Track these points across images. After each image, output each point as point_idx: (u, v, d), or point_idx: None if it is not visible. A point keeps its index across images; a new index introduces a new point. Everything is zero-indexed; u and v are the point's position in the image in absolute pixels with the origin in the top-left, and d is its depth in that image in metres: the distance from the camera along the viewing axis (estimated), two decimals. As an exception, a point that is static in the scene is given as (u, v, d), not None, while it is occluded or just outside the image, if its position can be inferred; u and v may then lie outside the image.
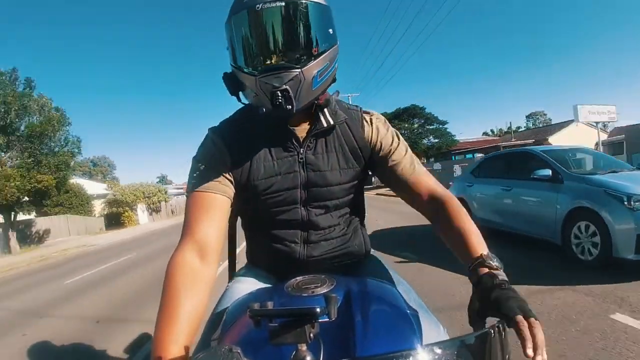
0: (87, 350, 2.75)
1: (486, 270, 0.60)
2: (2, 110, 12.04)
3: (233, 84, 0.75)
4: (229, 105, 0.86)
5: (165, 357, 0.53)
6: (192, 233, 0.69)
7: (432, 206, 0.77)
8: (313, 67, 0.69)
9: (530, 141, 21.37)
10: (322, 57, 0.70)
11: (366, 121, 0.83)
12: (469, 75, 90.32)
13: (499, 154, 5.69)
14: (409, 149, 0.85)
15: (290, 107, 0.68)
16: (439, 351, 0.43)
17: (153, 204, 24.46)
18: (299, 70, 0.67)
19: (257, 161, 0.76)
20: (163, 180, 44.84)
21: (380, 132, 0.83)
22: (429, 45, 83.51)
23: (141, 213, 23.17)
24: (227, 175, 0.75)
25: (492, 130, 41.70)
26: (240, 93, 0.76)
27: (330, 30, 0.72)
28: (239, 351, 0.41)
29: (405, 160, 0.82)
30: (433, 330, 0.63)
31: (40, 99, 13.17)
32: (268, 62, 0.68)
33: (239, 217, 0.95)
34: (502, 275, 0.58)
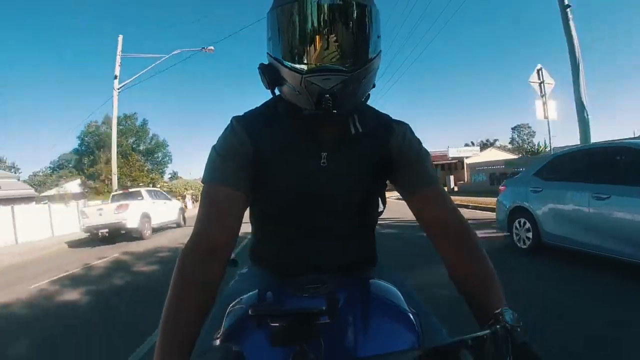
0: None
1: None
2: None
3: (271, 76, 0.71)
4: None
5: (169, 353, 0.53)
6: (205, 229, 0.67)
7: (448, 237, 0.71)
8: (362, 73, 0.66)
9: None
10: (371, 62, 0.67)
11: (394, 130, 0.79)
12: (458, 84, 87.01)
13: (585, 149, 4.33)
14: (431, 163, 0.81)
15: (335, 111, 0.65)
16: (439, 352, 0.43)
17: (194, 195, 30.84)
18: (349, 74, 0.64)
19: (279, 160, 0.73)
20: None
21: (406, 141, 0.79)
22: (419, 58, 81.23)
23: (188, 201, 29.28)
24: (246, 170, 0.72)
25: (472, 142, 42.22)
26: (276, 88, 0.73)
27: (379, 36, 0.69)
28: (240, 351, 0.42)
29: (421, 169, 0.77)
30: (434, 332, 0.62)
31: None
32: (318, 61, 0.65)
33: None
34: (520, 334, 0.51)
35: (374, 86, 0.75)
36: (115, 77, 13.83)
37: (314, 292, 0.64)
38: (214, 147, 0.75)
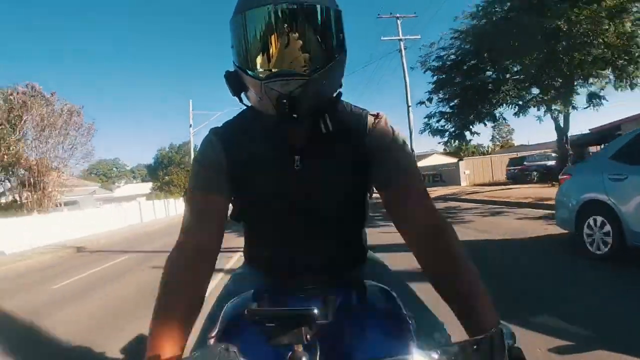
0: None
1: None
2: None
3: (236, 84, 0.72)
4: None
5: (160, 356, 0.53)
6: (190, 233, 0.69)
7: (421, 235, 0.67)
8: (322, 75, 0.66)
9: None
10: (331, 64, 0.67)
11: (371, 125, 0.78)
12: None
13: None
14: (410, 154, 0.77)
15: (295, 115, 0.65)
16: (434, 356, 0.43)
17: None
18: (307, 77, 0.64)
19: (254, 166, 0.75)
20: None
21: (378, 131, 0.77)
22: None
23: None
24: (224, 178, 0.75)
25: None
26: (243, 95, 0.74)
27: (341, 36, 0.69)
28: (235, 350, 0.42)
29: (396, 161, 0.74)
30: (433, 334, 0.61)
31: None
32: (276, 66, 0.65)
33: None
34: (516, 350, 0.49)
35: (340, 86, 0.75)
36: (190, 125, 23.29)
37: (310, 293, 0.64)
38: (195, 158, 0.79)
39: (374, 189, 0.81)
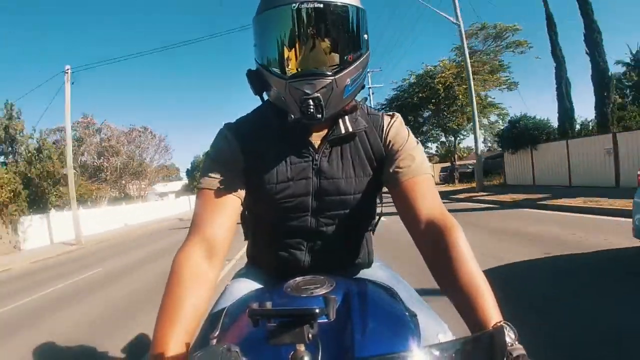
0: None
1: None
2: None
3: (258, 83, 0.72)
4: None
5: (164, 354, 0.53)
6: (201, 231, 0.68)
7: (429, 234, 0.66)
8: (346, 75, 0.66)
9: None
10: (356, 64, 0.67)
11: (384, 124, 0.79)
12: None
13: None
14: (422, 155, 0.77)
15: (320, 115, 0.65)
16: (436, 353, 0.43)
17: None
18: (333, 78, 0.64)
19: (270, 164, 0.74)
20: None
21: (392, 131, 0.78)
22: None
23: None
24: (238, 175, 0.74)
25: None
26: (265, 93, 0.74)
27: (366, 36, 0.69)
28: (237, 350, 0.42)
29: (409, 159, 0.74)
30: (434, 332, 0.61)
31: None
32: (300, 66, 0.65)
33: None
34: (518, 349, 0.48)
35: (363, 87, 0.74)
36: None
37: (312, 293, 0.64)
38: (207, 153, 0.77)
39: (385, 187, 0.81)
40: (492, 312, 0.54)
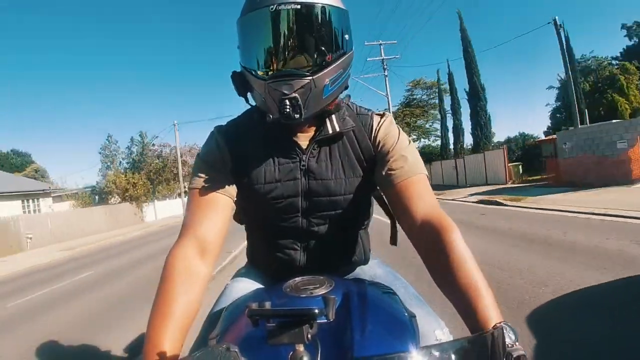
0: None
1: None
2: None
3: (242, 84, 0.72)
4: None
5: (158, 352, 0.53)
6: (192, 231, 0.69)
7: (426, 235, 0.66)
8: (325, 75, 0.66)
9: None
10: (335, 64, 0.67)
11: (375, 125, 0.78)
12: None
13: None
14: (415, 154, 0.76)
15: (297, 115, 0.65)
16: (435, 353, 0.43)
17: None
18: (311, 78, 0.65)
19: (259, 166, 0.75)
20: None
21: (383, 131, 0.77)
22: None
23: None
24: (229, 176, 0.74)
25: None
26: (249, 95, 0.74)
27: (347, 36, 0.69)
28: (236, 350, 0.42)
29: (401, 160, 0.73)
30: (433, 331, 0.62)
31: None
32: (279, 67, 0.66)
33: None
34: (518, 350, 0.48)
35: (346, 87, 0.74)
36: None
37: (311, 293, 0.64)
38: (198, 155, 0.78)
39: (378, 188, 0.80)
40: (492, 313, 0.54)
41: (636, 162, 9.21)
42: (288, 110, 0.64)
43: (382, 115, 0.80)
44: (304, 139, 0.76)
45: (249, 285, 0.82)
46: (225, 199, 0.73)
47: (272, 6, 0.63)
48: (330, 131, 0.74)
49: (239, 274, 0.93)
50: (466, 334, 0.52)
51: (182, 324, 0.59)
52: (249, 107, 0.79)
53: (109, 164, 31.75)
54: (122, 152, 32.58)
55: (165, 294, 0.61)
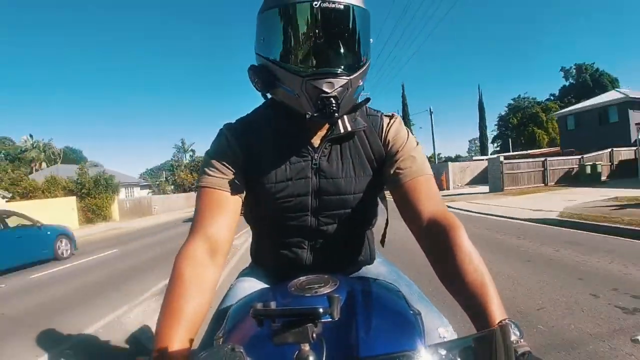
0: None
1: None
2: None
3: (265, 79, 0.70)
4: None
5: (167, 352, 0.54)
6: (202, 230, 0.68)
7: (432, 233, 0.66)
8: (360, 76, 0.67)
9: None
10: (366, 66, 0.68)
11: (383, 124, 0.79)
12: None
13: None
14: (422, 155, 0.77)
15: (336, 115, 0.65)
16: (441, 351, 0.42)
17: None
18: (349, 78, 0.65)
19: (269, 164, 0.74)
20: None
21: (392, 132, 0.78)
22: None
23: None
24: (238, 174, 0.73)
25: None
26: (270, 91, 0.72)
27: (372, 40, 0.70)
28: (241, 350, 0.42)
29: (410, 160, 0.74)
30: (438, 330, 0.61)
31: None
32: (319, 65, 0.64)
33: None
34: (524, 347, 0.48)
35: (363, 88, 0.74)
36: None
37: (316, 292, 0.64)
38: (207, 153, 0.77)
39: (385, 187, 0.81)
40: (497, 310, 0.54)
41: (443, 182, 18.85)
42: (333, 108, 0.64)
43: (391, 117, 0.81)
44: (315, 138, 0.75)
45: (253, 285, 0.82)
46: (234, 198, 0.72)
47: (316, 2, 0.61)
48: (342, 130, 0.74)
49: (243, 273, 0.93)
50: (471, 331, 0.51)
51: (192, 325, 0.59)
52: (258, 104, 0.79)
53: (177, 160, 41.86)
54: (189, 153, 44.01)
55: (174, 294, 0.61)
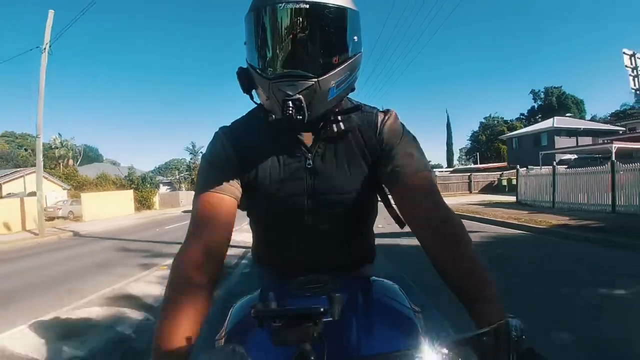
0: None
1: None
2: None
3: (247, 81, 0.71)
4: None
5: (168, 353, 0.53)
6: (199, 233, 0.68)
7: (431, 230, 0.67)
8: (331, 78, 0.65)
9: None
10: (342, 66, 0.66)
11: (379, 123, 0.77)
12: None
13: None
14: (419, 150, 0.76)
15: (300, 117, 0.64)
16: (442, 350, 0.43)
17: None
18: (316, 80, 0.63)
19: (264, 166, 0.74)
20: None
21: (387, 127, 0.76)
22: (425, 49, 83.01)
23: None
24: (234, 177, 0.73)
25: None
26: (254, 92, 0.73)
27: (356, 38, 0.68)
28: (242, 351, 0.42)
29: (407, 157, 0.73)
30: (438, 329, 0.62)
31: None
32: (284, 67, 0.64)
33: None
34: (525, 344, 0.48)
35: (353, 89, 0.73)
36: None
37: (316, 292, 0.64)
38: (203, 156, 0.77)
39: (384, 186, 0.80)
40: (497, 307, 0.55)
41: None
42: (291, 111, 0.63)
43: (386, 112, 0.79)
44: (308, 138, 0.75)
45: (255, 285, 0.81)
46: (231, 201, 0.72)
47: (280, 4, 0.61)
48: (335, 130, 0.73)
49: (245, 273, 0.94)
50: (471, 330, 0.51)
51: (192, 325, 0.59)
52: (254, 106, 0.78)
53: (194, 162, 45.12)
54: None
55: (172, 299, 0.60)
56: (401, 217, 0.75)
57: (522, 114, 44.30)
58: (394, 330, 0.56)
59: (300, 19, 0.62)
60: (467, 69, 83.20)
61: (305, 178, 0.74)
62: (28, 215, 14.34)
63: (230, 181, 0.73)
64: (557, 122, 25.25)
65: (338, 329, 0.52)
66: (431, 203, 0.69)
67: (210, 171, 0.73)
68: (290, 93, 0.63)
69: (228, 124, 0.80)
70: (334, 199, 0.76)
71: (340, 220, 0.79)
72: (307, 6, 0.61)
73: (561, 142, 23.67)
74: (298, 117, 0.64)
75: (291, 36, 0.63)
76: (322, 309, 0.40)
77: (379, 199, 0.88)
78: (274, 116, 0.68)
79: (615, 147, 15.84)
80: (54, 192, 21.81)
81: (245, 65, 0.72)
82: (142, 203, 25.23)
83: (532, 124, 32.26)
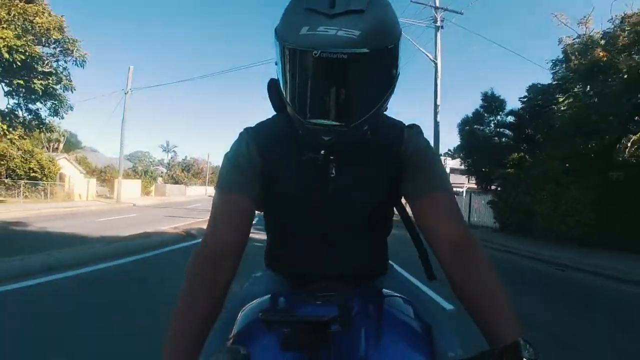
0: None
1: None
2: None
3: (277, 100, 0.72)
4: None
5: (177, 355, 0.55)
6: (217, 233, 0.69)
7: (449, 249, 0.66)
8: (365, 122, 0.65)
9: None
10: (377, 107, 0.65)
11: (405, 135, 0.76)
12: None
13: None
14: (441, 168, 0.77)
15: (332, 157, 0.68)
16: None
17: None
18: (347, 129, 0.63)
19: (286, 171, 0.74)
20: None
21: (412, 143, 0.76)
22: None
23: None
24: (255, 179, 0.73)
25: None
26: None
27: (394, 71, 0.66)
28: (250, 355, 0.42)
29: (427, 173, 0.73)
30: (447, 346, 0.62)
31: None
32: (321, 117, 0.63)
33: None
34: None
35: (385, 110, 0.74)
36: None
37: (327, 300, 0.63)
38: (226, 156, 0.76)
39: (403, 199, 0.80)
40: (511, 328, 0.54)
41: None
42: (321, 155, 0.68)
43: (411, 127, 0.79)
44: (335, 148, 0.72)
45: (264, 289, 0.81)
46: (249, 204, 0.72)
47: (315, 51, 0.56)
48: (359, 141, 0.72)
49: (255, 277, 0.93)
50: (483, 348, 0.50)
51: (202, 328, 0.60)
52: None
53: (172, 159, 55.03)
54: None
55: (186, 297, 0.62)
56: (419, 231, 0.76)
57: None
58: (403, 345, 0.55)
59: (336, 70, 0.59)
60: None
61: (327, 187, 0.74)
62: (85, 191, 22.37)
63: (251, 183, 0.72)
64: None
65: (346, 340, 0.51)
66: (451, 221, 0.69)
67: (232, 171, 0.73)
68: (325, 138, 0.64)
69: (252, 124, 0.79)
70: (353, 210, 0.76)
71: (357, 231, 0.79)
72: (345, 57, 0.57)
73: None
74: (330, 157, 0.70)
75: (325, 85, 0.61)
76: (331, 318, 0.40)
77: (395, 212, 0.88)
78: (305, 153, 0.70)
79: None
80: (79, 176, 25.83)
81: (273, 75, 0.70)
82: (143, 191, 32.91)
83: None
